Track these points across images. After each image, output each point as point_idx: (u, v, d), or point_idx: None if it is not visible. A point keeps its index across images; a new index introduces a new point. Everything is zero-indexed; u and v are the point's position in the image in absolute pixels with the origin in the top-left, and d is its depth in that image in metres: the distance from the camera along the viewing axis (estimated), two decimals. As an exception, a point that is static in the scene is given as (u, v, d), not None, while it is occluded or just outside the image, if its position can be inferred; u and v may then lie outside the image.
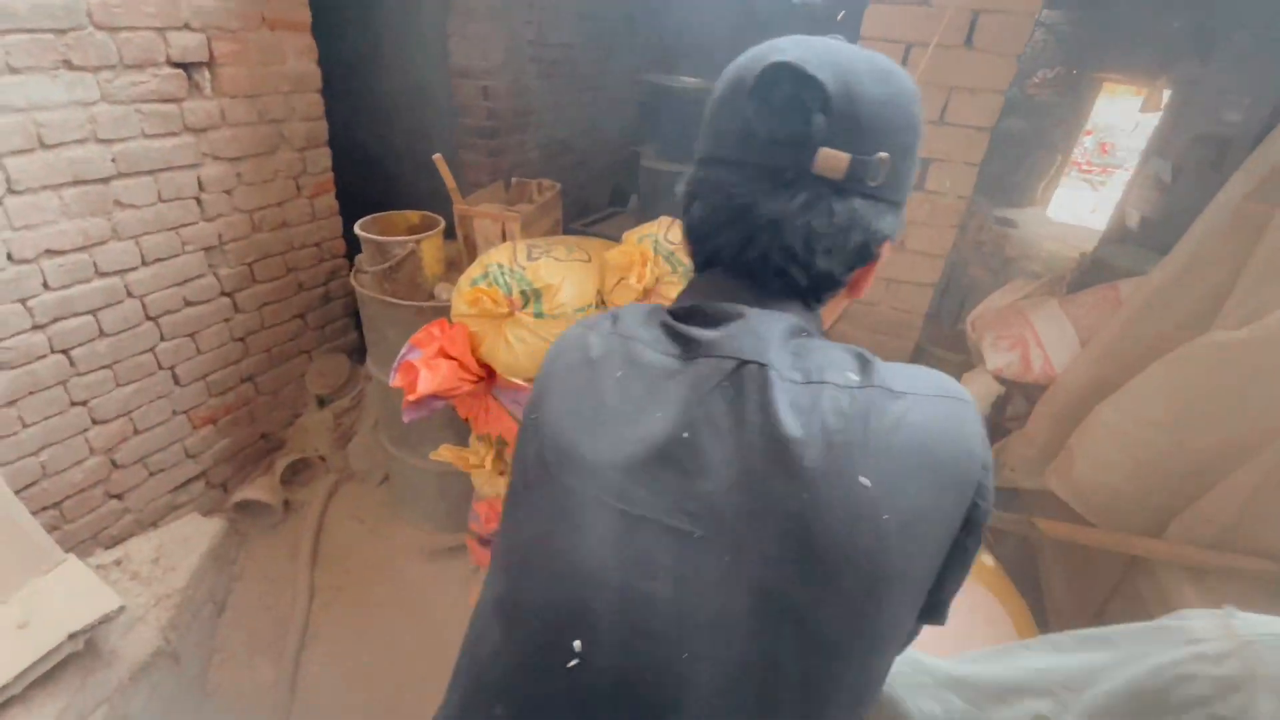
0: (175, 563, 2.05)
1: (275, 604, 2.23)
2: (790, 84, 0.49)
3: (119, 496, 2.00)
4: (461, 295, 1.51)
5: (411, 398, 1.38)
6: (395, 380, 1.43)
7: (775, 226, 0.52)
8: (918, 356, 1.82)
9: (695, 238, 0.57)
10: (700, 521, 0.46)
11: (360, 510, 2.42)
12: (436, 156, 1.82)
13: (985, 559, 1.43)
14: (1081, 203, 6.52)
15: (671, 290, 1.40)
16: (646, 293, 1.41)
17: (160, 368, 1.98)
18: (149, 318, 1.90)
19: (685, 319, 0.54)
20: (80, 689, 1.59)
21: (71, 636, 1.52)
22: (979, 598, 1.18)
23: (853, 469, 0.44)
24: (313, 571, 2.26)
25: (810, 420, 0.45)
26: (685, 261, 1.41)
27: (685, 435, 0.47)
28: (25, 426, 1.70)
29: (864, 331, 1.78)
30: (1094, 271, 2.18)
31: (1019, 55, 1.45)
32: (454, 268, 2.00)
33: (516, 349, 1.46)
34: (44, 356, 1.69)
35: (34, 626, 1.53)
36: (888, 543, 0.44)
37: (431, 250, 1.82)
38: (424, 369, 1.39)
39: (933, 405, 0.47)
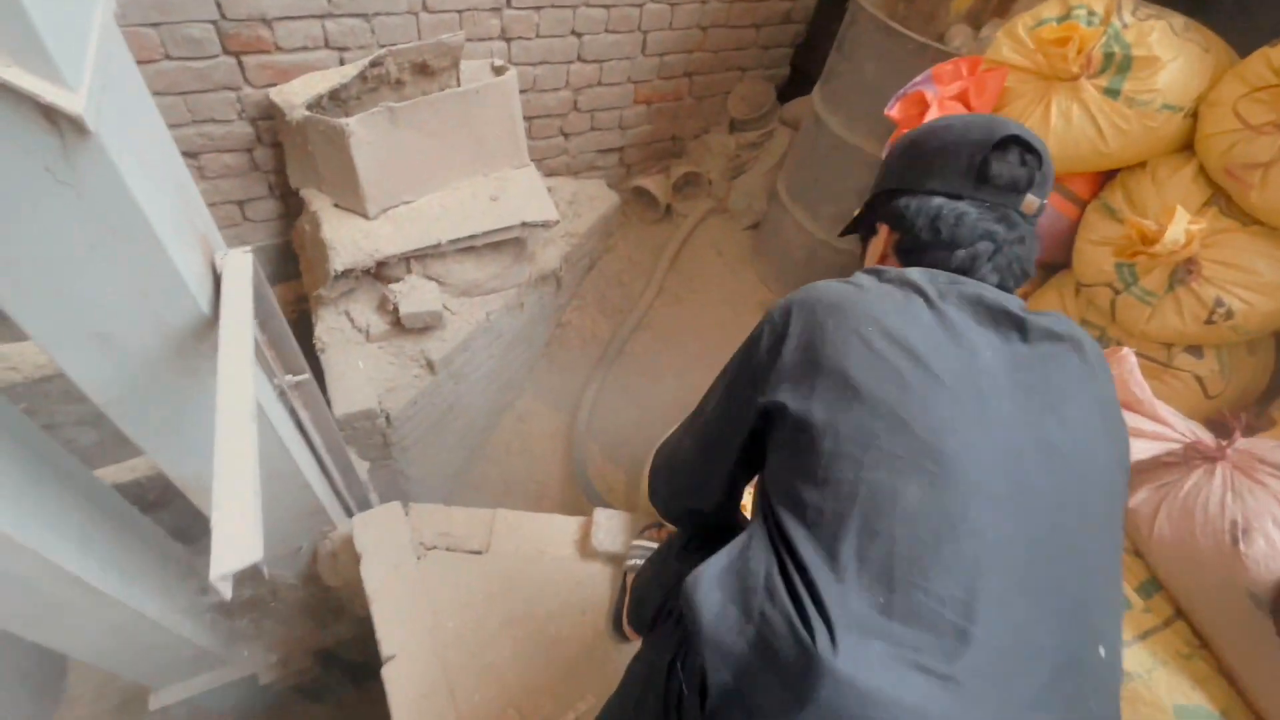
0: (581, 211, 2.36)
1: (629, 283, 2.52)
2: (1020, 149, 0.73)
3: (566, 136, 2.26)
4: (1015, 36, 1.21)
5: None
6: (893, 110, 1.26)
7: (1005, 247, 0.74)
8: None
9: (945, 243, 0.73)
10: None
11: (722, 244, 2.50)
12: None
13: None
14: None
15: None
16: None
17: (638, 29, 2.05)
18: (652, -31, 1.92)
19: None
20: (509, 267, 1.99)
21: (524, 224, 1.84)
22: None
23: None
24: (667, 274, 2.46)
25: None
26: None
27: None
28: (538, 36, 1.92)
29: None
30: None
31: None
32: (973, 17, 1.64)
33: (1054, 127, 1.16)
34: (571, -25, 1.82)
35: (500, 203, 1.88)
36: None
37: (975, -22, 1.48)
38: (936, 106, 1.18)
39: None
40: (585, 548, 1.52)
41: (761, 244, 2.40)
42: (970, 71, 1.23)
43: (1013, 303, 0.65)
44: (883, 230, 0.78)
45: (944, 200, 0.72)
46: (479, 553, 1.53)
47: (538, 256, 2.08)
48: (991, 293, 0.65)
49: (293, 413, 1.32)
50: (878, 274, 0.69)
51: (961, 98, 1.20)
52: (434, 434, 1.99)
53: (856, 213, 0.86)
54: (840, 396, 0.61)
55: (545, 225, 1.85)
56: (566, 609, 1.42)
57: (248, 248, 0.99)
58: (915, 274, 0.67)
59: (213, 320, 0.92)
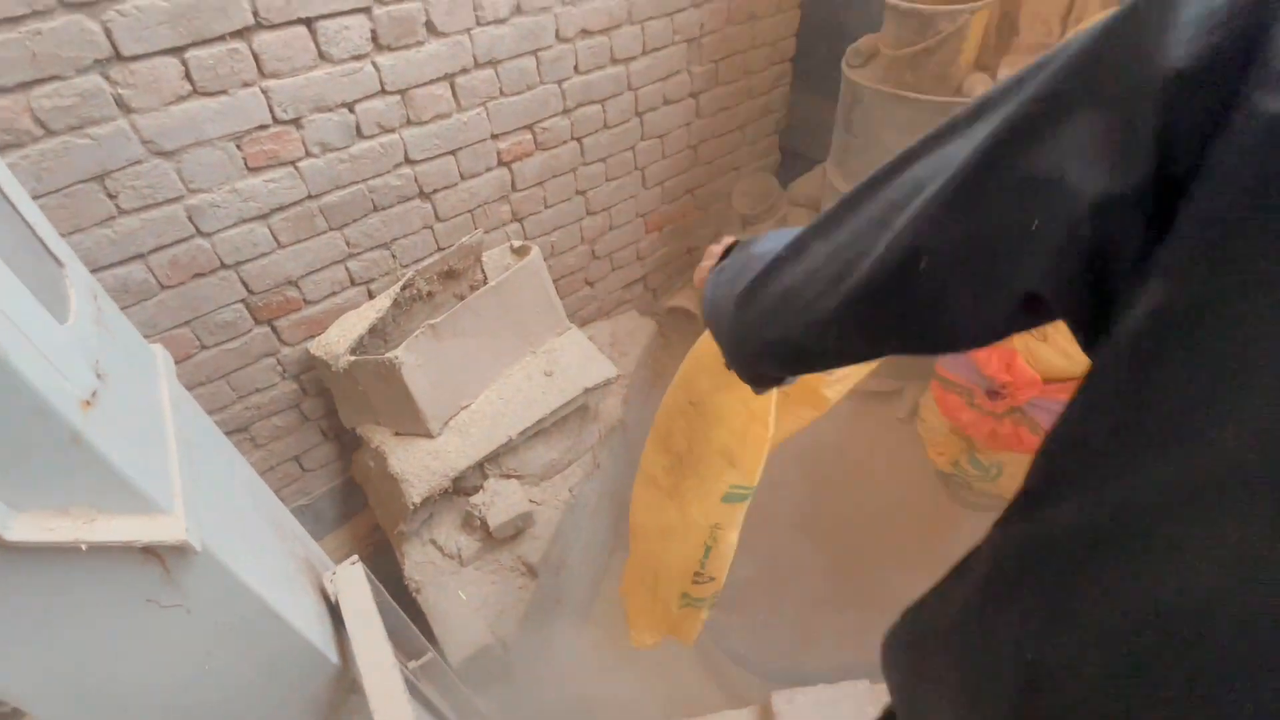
0: (626, 349, 2.28)
1: (691, 407, 2.40)
2: None
3: (591, 284, 2.22)
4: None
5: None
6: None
7: None
8: None
9: None
10: None
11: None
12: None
13: None
14: None
15: None
16: None
17: (636, 168, 2.05)
18: (637, 113, 1.93)
19: None
20: (579, 434, 1.87)
21: (586, 390, 1.75)
22: None
23: None
24: (729, 386, 2.35)
25: None
26: None
27: None
28: (546, 207, 1.90)
29: None
30: None
31: None
32: (983, 63, 1.60)
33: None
34: (566, 142, 1.82)
35: (556, 377, 1.79)
36: None
37: (978, 28, 1.44)
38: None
39: None
40: (773, 745, 1.31)
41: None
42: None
43: None
44: None
45: None
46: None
47: (601, 412, 1.98)
48: None
49: (420, 696, 1.16)
50: None
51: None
52: (543, 628, 1.81)
53: None
54: None
55: (607, 384, 1.76)
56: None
57: (353, 559, 0.88)
58: None
59: (342, 668, 0.79)
